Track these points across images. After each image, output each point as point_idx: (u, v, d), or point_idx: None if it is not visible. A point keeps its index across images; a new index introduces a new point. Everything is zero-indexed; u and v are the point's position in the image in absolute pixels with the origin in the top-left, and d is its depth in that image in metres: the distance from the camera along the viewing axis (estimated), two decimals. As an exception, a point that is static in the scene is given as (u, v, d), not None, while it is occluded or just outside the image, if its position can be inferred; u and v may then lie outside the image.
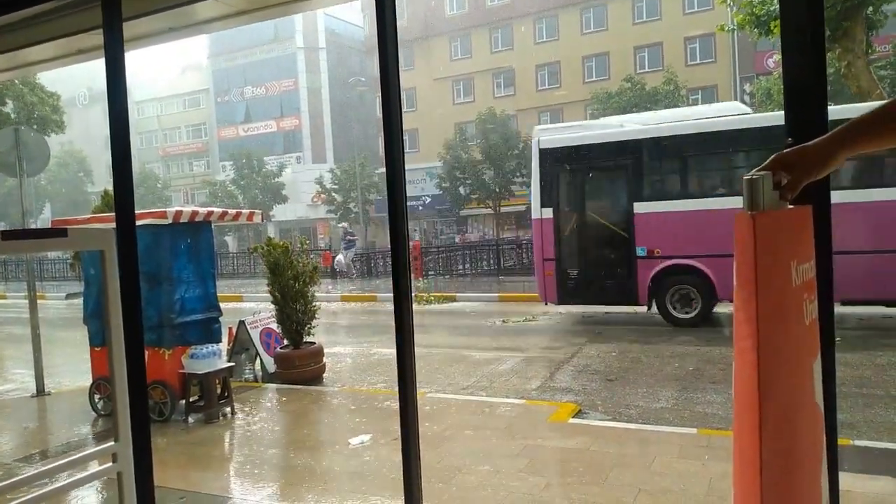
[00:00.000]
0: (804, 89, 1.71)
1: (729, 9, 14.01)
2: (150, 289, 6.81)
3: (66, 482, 2.09)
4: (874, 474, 4.55)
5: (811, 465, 1.22)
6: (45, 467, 2.09)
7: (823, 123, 1.70)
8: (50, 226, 8.30)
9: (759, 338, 1.00)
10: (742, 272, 1.02)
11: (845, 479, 4.32)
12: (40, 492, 1.97)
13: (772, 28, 11.50)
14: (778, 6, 1.83)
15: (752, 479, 1.07)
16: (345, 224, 25.87)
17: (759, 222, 1.00)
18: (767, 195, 1.08)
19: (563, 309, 14.02)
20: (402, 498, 2.59)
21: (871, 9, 10.93)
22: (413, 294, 15.35)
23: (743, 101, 31.97)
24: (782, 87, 1.77)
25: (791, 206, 1.31)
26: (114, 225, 2.89)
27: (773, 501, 1.07)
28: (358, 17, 47.22)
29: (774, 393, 1.03)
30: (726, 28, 14.03)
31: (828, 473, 1.45)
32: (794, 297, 1.13)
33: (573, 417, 6.30)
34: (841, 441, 5.09)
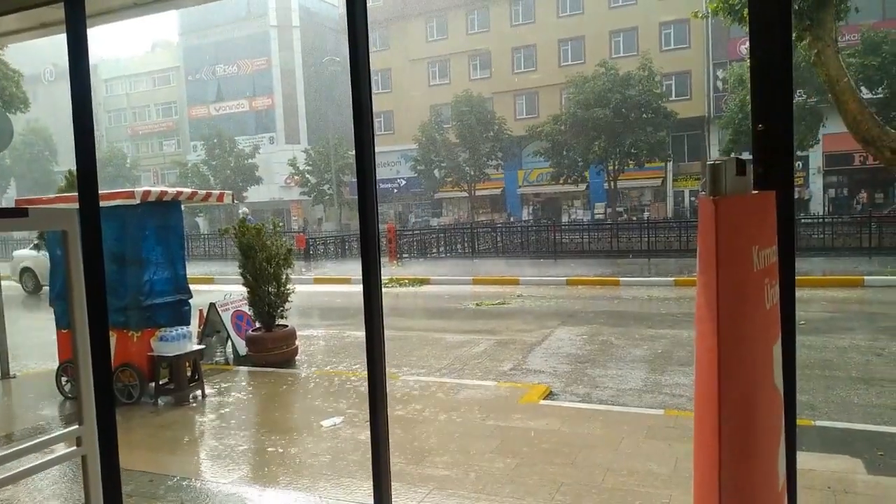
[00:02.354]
0: (771, 75, 1.72)
1: (703, -5, 14.08)
2: (119, 270, 6.70)
3: (28, 466, 2.06)
4: (833, 453, 4.68)
5: (769, 445, 1.25)
6: (8, 451, 2.05)
7: (789, 109, 1.72)
8: (14, 205, 8.09)
9: (718, 321, 1.01)
10: (703, 256, 1.04)
11: (806, 458, 4.45)
12: (2, 476, 1.94)
13: (744, 15, 11.57)
14: (748, -7, 1.85)
15: (711, 458, 1.09)
16: (245, 209, 25.67)
17: (721, 207, 1.01)
18: (730, 180, 1.09)
19: (536, 292, 14.14)
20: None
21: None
22: (388, 277, 15.26)
23: (716, 88, 32.33)
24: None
25: (755, 192, 1.33)
26: (77, 205, 2.82)
27: (731, 479, 1.10)
28: (332, -4, 46.54)
29: (733, 375, 1.05)
30: (700, 15, 14.10)
31: (786, 453, 1.48)
32: (755, 281, 1.15)
33: (544, 399, 6.38)
34: (802, 422, 5.26)
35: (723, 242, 1.01)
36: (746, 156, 1.75)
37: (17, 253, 20.37)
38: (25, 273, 18.46)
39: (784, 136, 1.71)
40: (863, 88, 19.65)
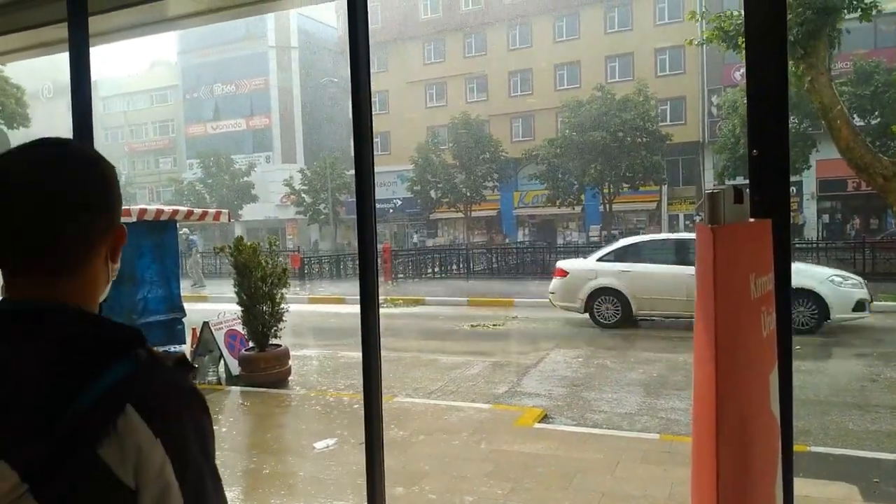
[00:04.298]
0: (766, 102, 1.74)
1: (698, 23, 14.28)
2: (113, 288, 6.63)
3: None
4: (830, 480, 4.67)
5: (766, 472, 1.25)
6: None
7: (784, 135, 1.74)
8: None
9: (717, 349, 1.02)
10: (702, 284, 1.04)
11: (803, 485, 4.43)
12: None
13: (739, 43, 11.75)
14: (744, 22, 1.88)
15: (708, 485, 1.09)
16: (185, 230, 25.77)
17: (718, 236, 1.02)
18: (728, 209, 1.10)
19: (531, 314, 14.13)
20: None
21: (830, 29, 11.26)
22: (383, 297, 15.10)
23: (710, 113, 32.62)
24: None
25: (752, 220, 1.34)
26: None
27: (729, 508, 1.09)
28: (331, 18, 46.97)
29: (731, 402, 1.06)
30: (695, 42, 14.30)
31: (783, 480, 1.48)
32: (753, 309, 1.15)
33: (539, 422, 6.34)
34: (798, 448, 5.23)
35: (720, 271, 1.02)
36: (740, 180, 1.77)
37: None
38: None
39: (780, 163, 1.72)
40: (855, 116, 19.88)
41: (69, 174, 0.89)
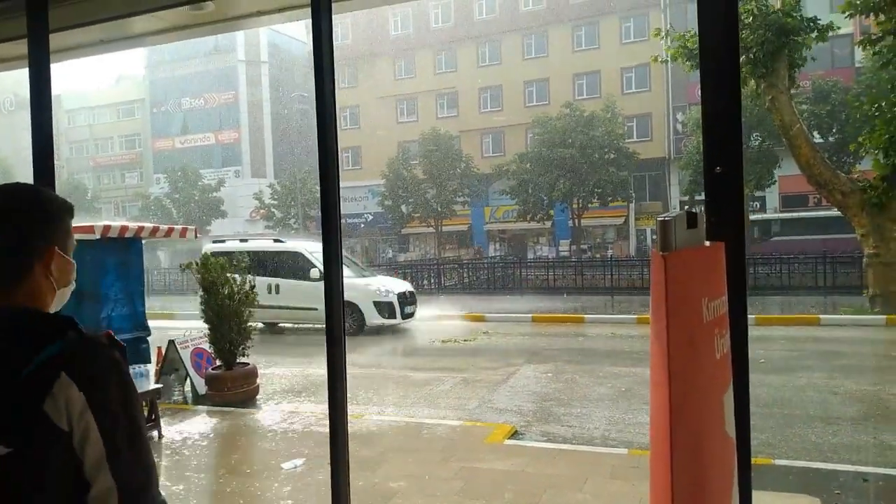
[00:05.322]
0: (721, 120, 1.79)
1: (663, 41, 14.60)
2: (76, 306, 6.52)
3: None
4: (793, 492, 4.74)
5: (721, 492, 1.27)
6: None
7: (739, 151, 1.78)
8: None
9: (669, 372, 1.04)
10: (655, 309, 1.07)
11: (766, 498, 4.50)
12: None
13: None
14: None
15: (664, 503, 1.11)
16: None
17: (669, 262, 1.05)
18: (680, 235, 1.13)
19: (502, 329, 14.17)
20: (332, 526, 2.54)
21: (790, 50, 11.64)
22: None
23: (676, 130, 33.27)
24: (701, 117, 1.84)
25: (706, 244, 1.37)
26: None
27: (685, 529, 1.11)
28: (301, 33, 46.91)
29: (685, 424, 1.08)
30: (660, 59, 14.61)
31: (740, 497, 1.50)
32: (706, 332, 1.18)
33: (509, 438, 6.35)
34: (762, 461, 5.32)
35: (672, 296, 1.04)
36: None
37: None
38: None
39: (735, 183, 1.77)
40: (814, 134, 20.47)
41: (16, 215, 1.23)
